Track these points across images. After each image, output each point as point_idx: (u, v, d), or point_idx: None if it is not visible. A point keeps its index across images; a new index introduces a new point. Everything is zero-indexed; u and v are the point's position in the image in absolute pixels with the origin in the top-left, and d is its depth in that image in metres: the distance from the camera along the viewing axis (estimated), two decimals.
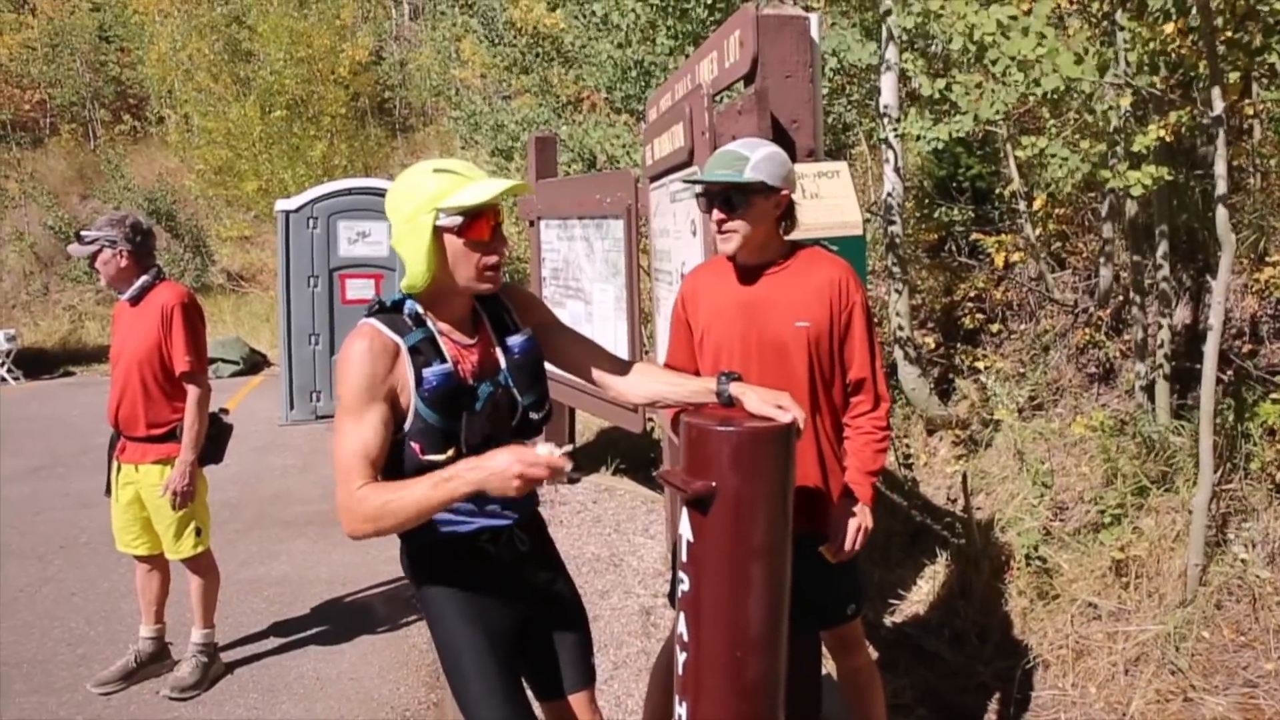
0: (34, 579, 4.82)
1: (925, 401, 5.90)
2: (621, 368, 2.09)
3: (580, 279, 5.53)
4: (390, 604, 4.42)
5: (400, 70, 21.17)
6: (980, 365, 5.67)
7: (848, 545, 2.28)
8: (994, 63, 3.55)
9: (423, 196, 1.77)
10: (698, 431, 1.78)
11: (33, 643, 4.05)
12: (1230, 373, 4.45)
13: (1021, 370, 5.75)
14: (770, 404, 1.81)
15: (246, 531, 5.55)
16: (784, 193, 2.26)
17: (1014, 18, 3.39)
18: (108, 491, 3.62)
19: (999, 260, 5.56)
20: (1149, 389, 4.65)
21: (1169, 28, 3.40)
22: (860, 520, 2.29)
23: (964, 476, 4.51)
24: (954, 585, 4.14)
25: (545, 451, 1.64)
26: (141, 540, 3.61)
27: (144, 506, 3.56)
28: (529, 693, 2.03)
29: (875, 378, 2.35)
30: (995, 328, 6.20)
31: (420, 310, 1.85)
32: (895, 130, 5.37)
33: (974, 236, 6.41)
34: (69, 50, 21.20)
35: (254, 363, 12.69)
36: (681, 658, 1.85)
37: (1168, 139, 3.79)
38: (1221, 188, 3.49)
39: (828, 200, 2.77)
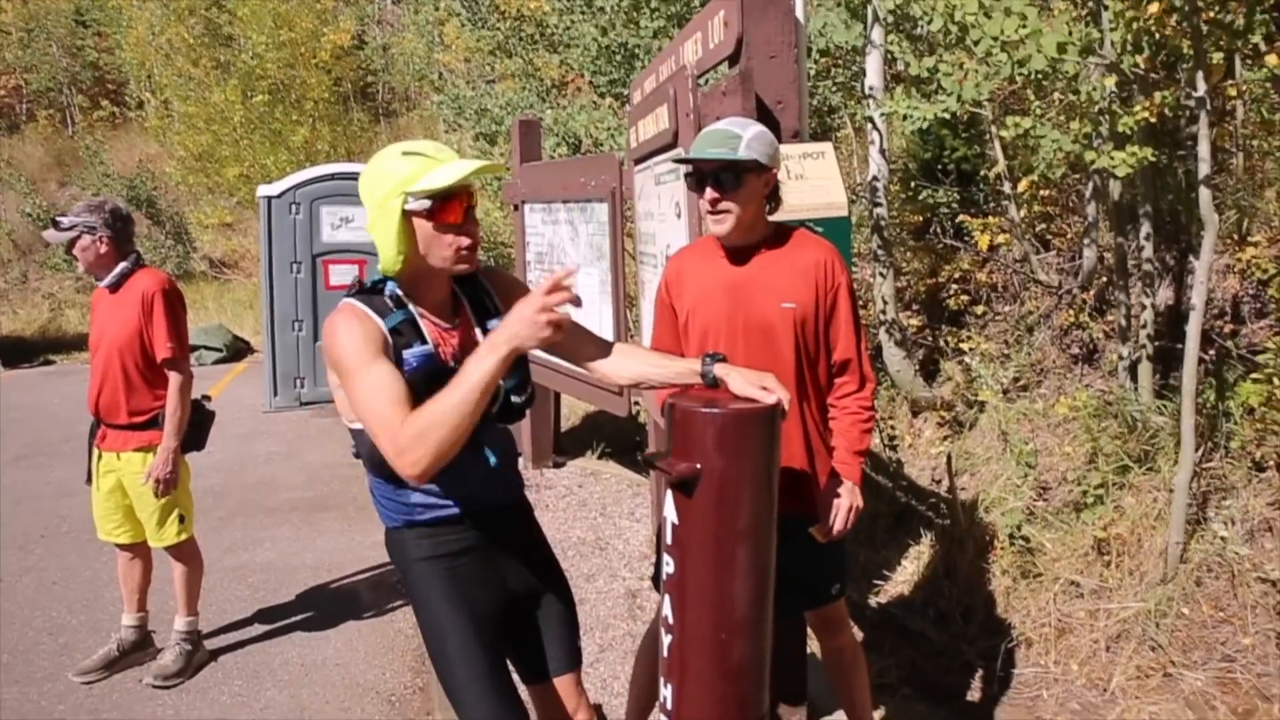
0: (14, 568, 4.78)
1: (910, 383, 5.92)
2: (605, 350, 2.07)
3: (565, 263, 5.51)
4: (375, 589, 4.41)
5: (383, 54, 20.96)
6: (965, 347, 5.68)
7: (838, 525, 2.28)
8: (976, 44, 3.54)
9: (392, 181, 1.75)
10: (682, 413, 1.77)
11: (13, 632, 4.02)
12: (1212, 352, 4.48)
13: (1006, 351, 5.77)
14: (755, 385, 1.80)
15: (230, 519, 5.52)
16: (773, 172, 2.25)
17: None
18: (89, 480, 3.59)
19: (983, 243, 5.56)
20: (1132, 369, 4.67)
21: (1153, 8, 3.39)
22: (850, 500, 2.29)
23: (949, 457, 4.54)
24: (938, 565, 4.16)
25: (553, 278, 1.61)
26: (123, 528, 3.58)
27: (125, 494, 3.54)
28: (516, 676, 2.02)
29: (860, 358, 2.35)
30: (980, 309, 6.22)
31: (400, 292, 1.83)
32: (881, 111, 5.36)
33: (959, 218, 6.41)
34: (44, 34, 20.87)
35: (237, 350, 12.60)
36: (666, 640, 1.84)
37: (1152, 120, 3.79)
38: (1204, 169, 3.50)
39: (813, 181, 2.76)
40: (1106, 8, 4.04)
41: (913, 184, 7.13)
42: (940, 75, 4.03)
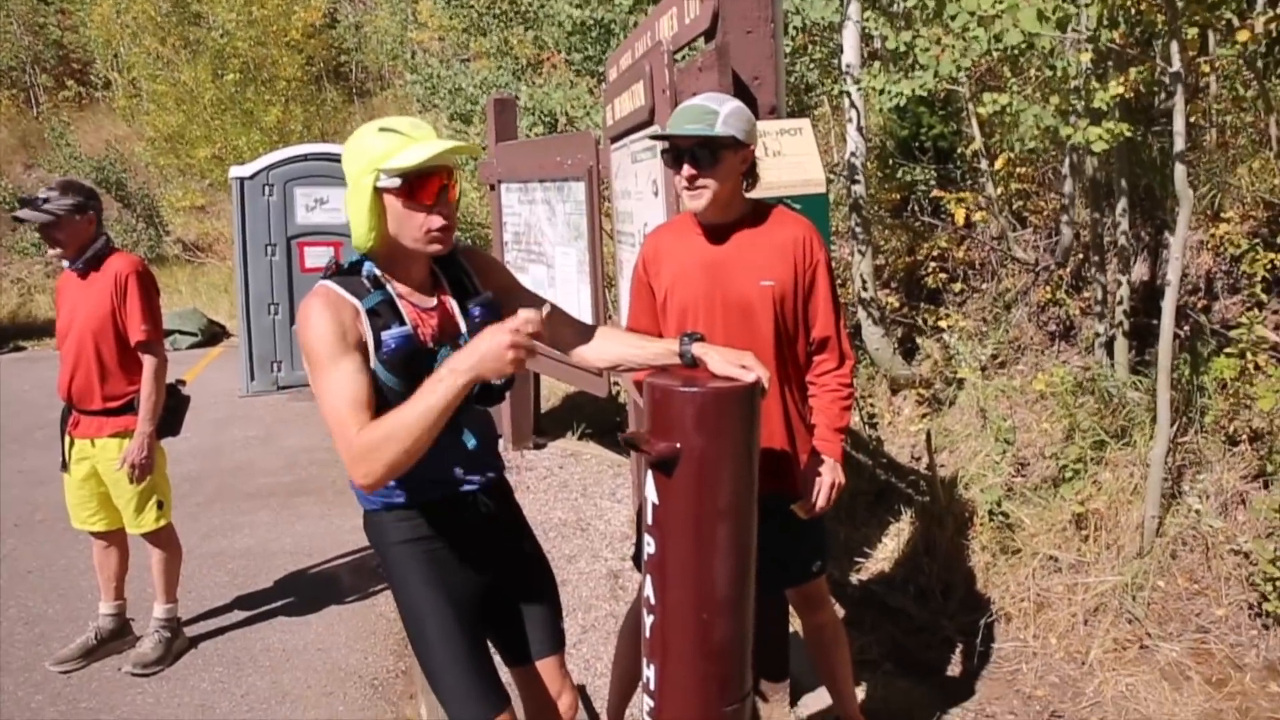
0: None
1: (889, 361, 5.94)
2: (583, 332, 2.06)
3: (542, 243, 5.46)
4: (356, 573, 4.39)
5: (356, 33, 20.65)
6: (943, 324, 5.71)
7: (820, 502, 2.28)
8: (953, 18, 3.52)
9: (366, 157, 1.73)
10: (661, 393, 1.76)
11: None
12: (1186, 328, 4.52)
13: (984, 329, 5.80)
14: (734, 364, 1.79)
15: (208, 505, 5.47)
16: (750, 148, 2.23)
17: None
18: (64, 467, 3.52)
19: (959, 216, 5.58)
20: (1108, 345, 4.72)
21: None
22: (831, 477, 2.29)
23: (928, 435, 4.56)
24: (918, 542, 4.19)
25: (527, 311, 1.59)
26: (99, 516, 3.53)
27: (100, 482, 3.48)
28: (498, 659, 2.01)
29: (839, 336, 2.34)
30: (958, 287, 6.24)
31: (378, 272, 1.80)
32: (858, 87, 5.34)
33: (935, 193, 6.42)
34: (4, 12, 20.37)
35: (212, 334, 12.45)
36: (648, 620, 1.84)
37: (1127, 96, 3.80)
38: (1179, 144, 3.51)
39: (790, 158, 2.74)
40: None
41: (890, 162, 7.13)
42: (917, 51, 4.02)
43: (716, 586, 1.77)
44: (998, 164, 5.46)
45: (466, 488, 1.92)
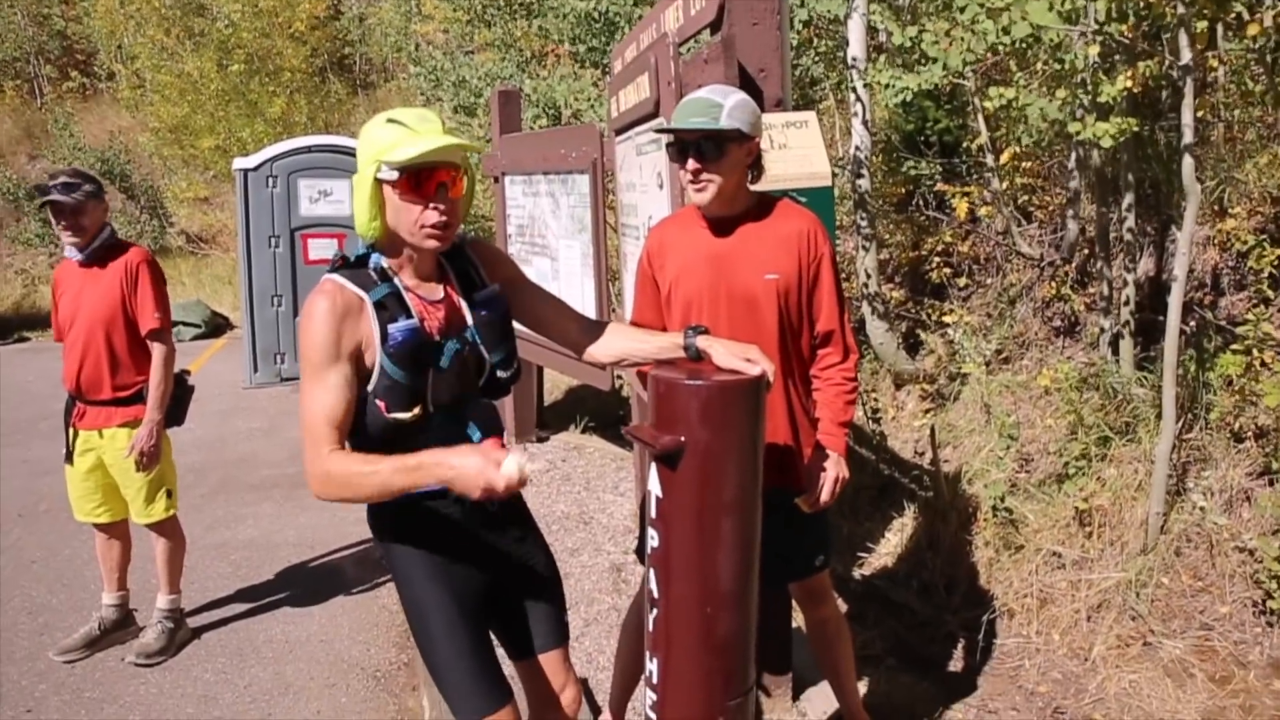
0: None
1: (893, 356, 5.93)
2: (588, 327, 2.05)
3: (546, 235, 5.45)
4: (359, 566, 4.39)
5: (360, 25, 20.60)
6: (947, 319, 5.69)
7: (824, 496, 2.28)
8: (962, 9, 3.50)
9: (371, 147, 1.75)
10: (666, 386, 1.75)
11: None
12: (1192, 324, 4.50)
13: (988, 324, 5.79)
14: (739, 357, 1.79)
15: (212, 496, 5.47)
16: (755, 140, 2.22)
17: None
18: (69, 460, 3.51)
19: (961, 210, 5.55)
20: (1113, 341, 4.70)
21: None
22: (835, 471, 2.29)
23: (931, 430, 4.55)
24: (922, 537, 4.19)
25: (515, 465, 1.62)
26: (104, 508, 3.53)
27: (106, 474, 3.48)
28: (501, 652, 2.01)
29: (843, 329, 2.33)
30: (962, 282, 6.22)
31: (385, 265, 1.80)
32: (864, 80, 5.32)
33: (939, 187, 6.39)
34: (8, 3, 20.33)
35: (216, 325, 12.45)
36: (652, 614, 1.83)
37: (1135, 90, 3.78)
38: (1188, 136, 3.49)
39: (796, 150, 2.73)
40: None
41: (895, 156, 7.10)
42: (925, 43, 3.99)
43: (721, 580, 1.76)
44: (1003, 158, 5.43)
45: None
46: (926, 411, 5.45)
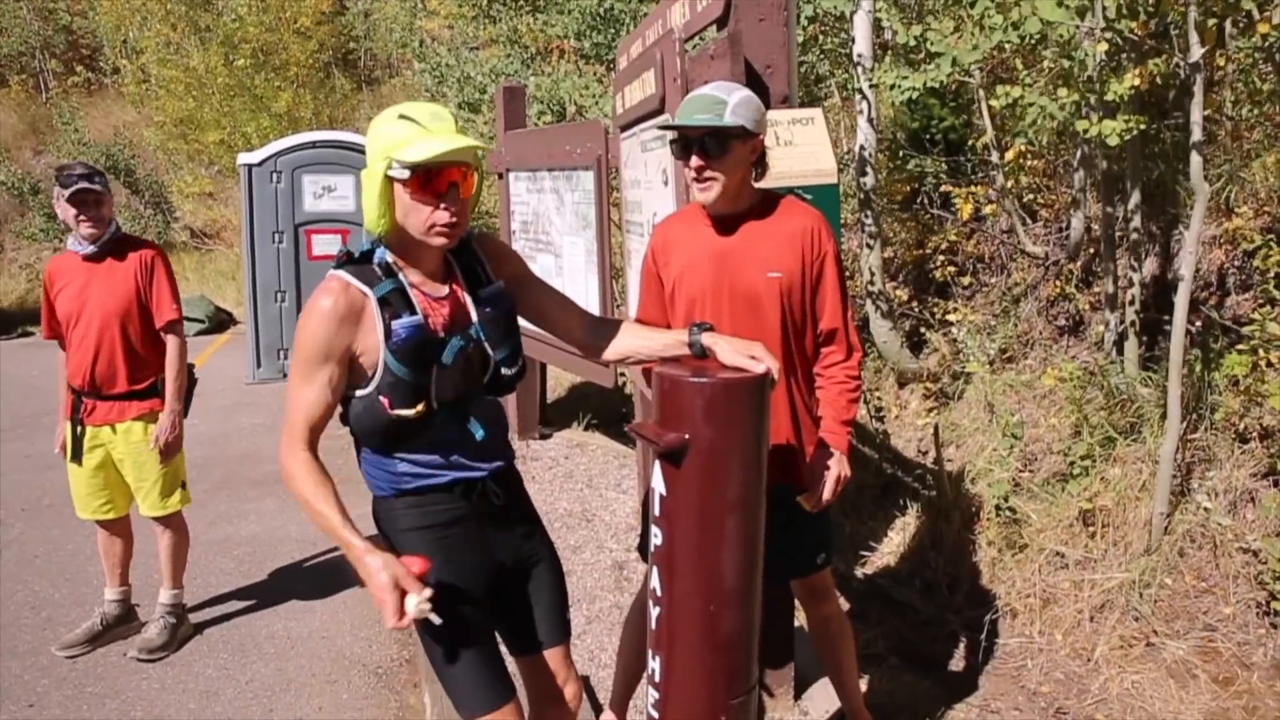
0: None
1: (897, 354, 5.92)
2: (593, 324, 2.05)
3: (550, 232, 5.44)
4: None
5: (365, 21, 20.59)
6: (951, 318, 5.68)
7: (826, 494, 2.27)
8: (972, 5, 3.48)
9: (382, 143, 1.73)
10: (670, 383, 1.75)
11: None
12: (1197, 324, 4.48)
13: (992, 323, 5.77)
14: (743, 354, 1.78)
15: (215, 491, 5.48)
16: (759, 138, 2.21)
17: None
18: (76, 458, 3.46)
19: (965, 210, 5.54)
20: (1118, 340, 4.68)
21: None
22: (838, 469, 2.28)
23: (935, 429, 4.54)
24: (925, 536, 4.18)
25: (414, 609, 1.66)
26: (110, 505, 3.52)
27: (113, 470, 3.47)
28: (504, 647, 2.01)
29: (847, 327, 2.32)
30: (966, 280, 6.21)
31: (390, 260, 1.80)
32: (869, 79, 5.30)
33: (944, 188, 6.38)
34: None
35: (219, 321, 12.46)
36: (654, 612, 1.83)
37: (1142, 88, 3.76)
38: (1197, 134, 3.47)
39: (802, 147, 2.72)
40: None
41: (900, 154, 7.09)
42: (932, 40, 3.98)
43: (724, 578, 1.76)
44: (1008, 156, 5.41)
45: (475, 475, 1.90)
46: (930, 410, 5.44)
